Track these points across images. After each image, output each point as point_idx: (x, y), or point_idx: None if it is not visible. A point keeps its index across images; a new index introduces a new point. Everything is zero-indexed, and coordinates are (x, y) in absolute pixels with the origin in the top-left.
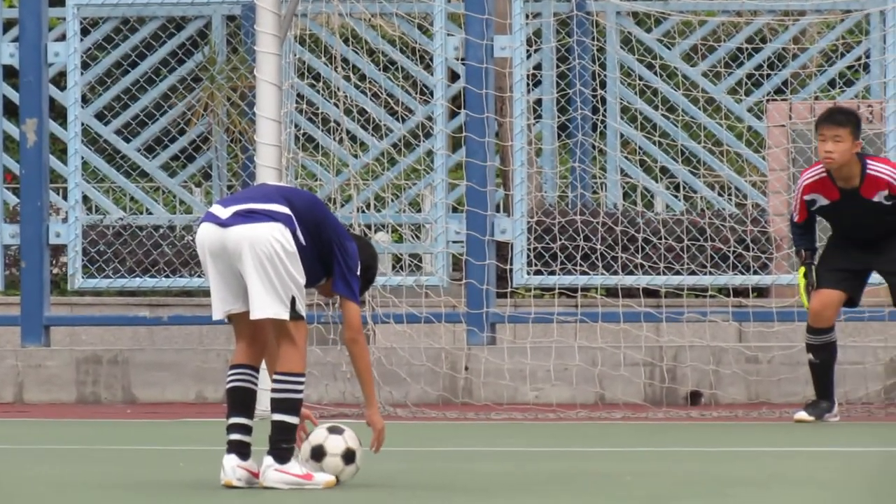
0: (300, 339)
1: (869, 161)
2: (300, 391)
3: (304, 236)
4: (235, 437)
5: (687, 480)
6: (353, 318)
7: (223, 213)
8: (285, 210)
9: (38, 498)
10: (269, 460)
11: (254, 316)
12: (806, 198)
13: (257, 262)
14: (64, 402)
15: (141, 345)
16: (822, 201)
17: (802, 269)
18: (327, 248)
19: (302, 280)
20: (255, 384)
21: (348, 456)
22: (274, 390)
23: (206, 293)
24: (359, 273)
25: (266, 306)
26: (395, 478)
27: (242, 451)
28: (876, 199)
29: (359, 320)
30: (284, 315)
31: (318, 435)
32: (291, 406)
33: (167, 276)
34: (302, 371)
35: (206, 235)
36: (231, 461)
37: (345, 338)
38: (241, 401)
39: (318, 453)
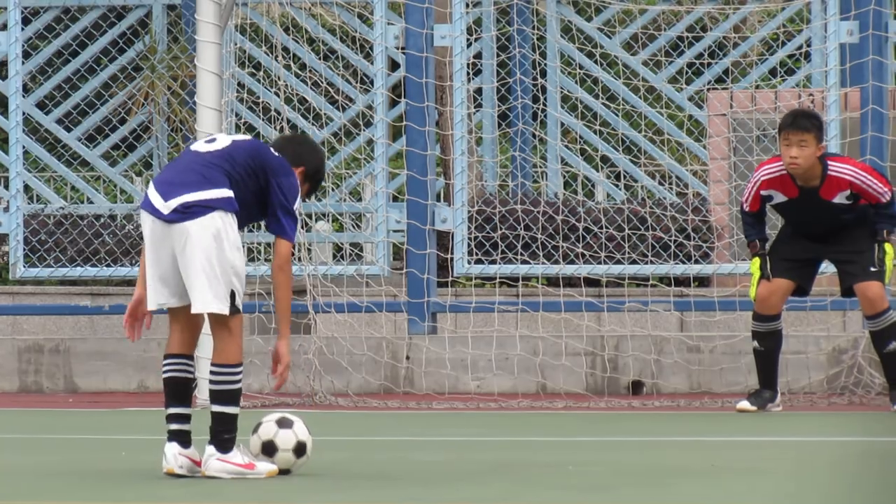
0: (236, 329)
1: (830, 162)
2: (238, 381)
3: (245, 189)
4: (175, 426)
5: (628, 470)
6: (283, 250)
7: (164, 206)
8: (225, 193)
9: None
10: (210, 450)
11: (196, 310)
12: (763, 192)
13: (202, 258)
14: (6, 391)
15: (82, 334)
16: (780, 198)
17: (757, 261)
18: (267, 189)
19: (243, 272)
20: (192, 373)
21: (299, 449)
22: (212, 382)
23: None
24: (296, 207)
25: (209, 302)
26: (337, 467)
27: (183, 439)
28: (836, 199)
29: (288, 253)
30: (225, 310)
31: (268, 429)
32: (231, 396)
33: (108, 266)
34: (239, 362)
35: (149, 228)
36: (173, 449)
37: (272, 265)
38: (179, 390)
39: (269, 449)
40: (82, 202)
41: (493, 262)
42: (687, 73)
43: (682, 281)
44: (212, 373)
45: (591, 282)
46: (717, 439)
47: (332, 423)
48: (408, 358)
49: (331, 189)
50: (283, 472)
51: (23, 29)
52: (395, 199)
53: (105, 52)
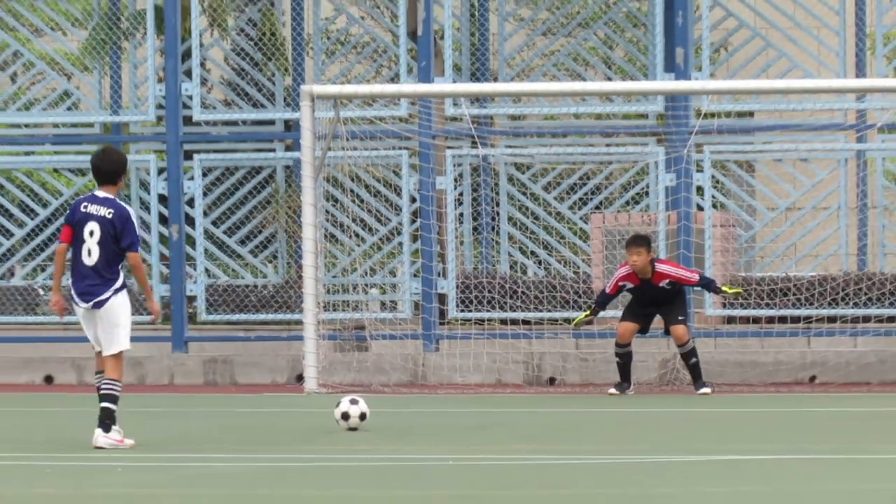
0: (121, 358)
1: (657, 263)
2: (120, 389)
3: (117, 248)
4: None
5: (550, 426)
6: (136, 257)
7: (85, 305)
8: (118, 283)
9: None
10: (99, 431)
11: (108, 352)
12: (620, 283)
13: (114, 324)
14: (196, 384)
15: (239, 352)
16: (629, 285)
17: (588, 312)
18: (122, 234)
19: (129, 322)
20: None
21: (363, 416)
22: (105, 389)
23: (278, 322)
24: (138, 234)
25: (119, 347)
26: (385, 427)
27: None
28: (661, 284)
29: (139, 258)
30: (122, 348)
31: (344, 405)
32: (115, 399)
33: (253, 314)
34: (121, 378)
35: (78, 310)
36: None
37: (130, 265)
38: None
39: (345, 416)
40: (237, 277)
41: (471, 311)
42: (579, 203)
43: None
44: (105, 383)
45: (526, 322)
46: (598, 410)
47: (381, 402)
48: (423, 365)
49: (378, 269)
50: (353, 430)
51: (203, 177)
52: (415, 275)
53: (250, 193)
